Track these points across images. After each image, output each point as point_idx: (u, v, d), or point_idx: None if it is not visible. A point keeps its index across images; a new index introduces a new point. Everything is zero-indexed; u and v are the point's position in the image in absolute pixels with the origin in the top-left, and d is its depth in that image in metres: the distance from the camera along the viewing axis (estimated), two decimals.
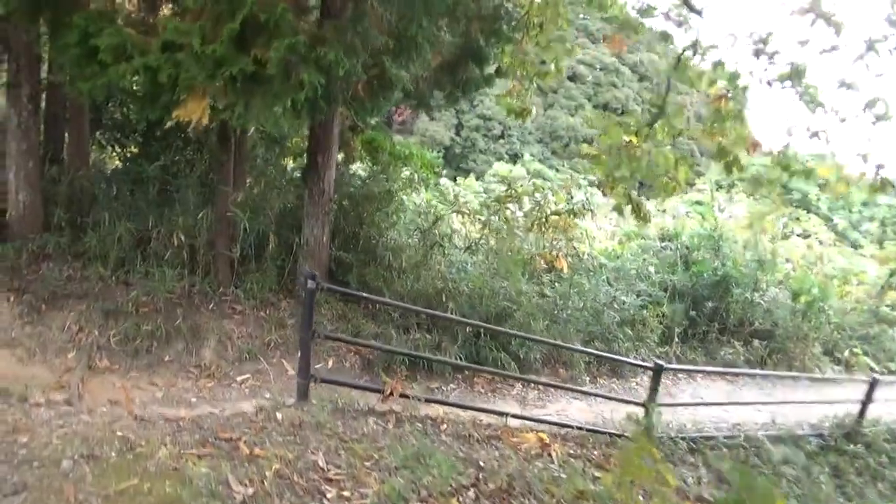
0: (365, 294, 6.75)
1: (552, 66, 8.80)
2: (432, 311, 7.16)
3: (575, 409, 7.30)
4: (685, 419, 6.99)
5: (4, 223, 6.52)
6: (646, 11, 8.64)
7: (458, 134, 41.16)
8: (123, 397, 5.56)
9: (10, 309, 5.91)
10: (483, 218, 10.20)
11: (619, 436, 6.13)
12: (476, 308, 7.83)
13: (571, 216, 11.07)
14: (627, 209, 8.68)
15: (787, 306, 10.49)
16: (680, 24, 8.21)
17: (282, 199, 7.52)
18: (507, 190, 11.08)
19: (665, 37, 8.87)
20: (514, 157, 38.29)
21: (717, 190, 23.06)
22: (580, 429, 6.11)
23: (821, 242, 15.75)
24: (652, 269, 10.55)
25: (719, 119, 7.31)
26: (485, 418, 5.83)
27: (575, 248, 10.82)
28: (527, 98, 8.85)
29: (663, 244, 11.63)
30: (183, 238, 6.86)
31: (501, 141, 41.50)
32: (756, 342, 10.02)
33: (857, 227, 23.89)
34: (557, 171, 31.54)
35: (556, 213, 11.11)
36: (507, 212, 10.38)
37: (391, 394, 4.99)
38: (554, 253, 10.14)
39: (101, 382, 5.72)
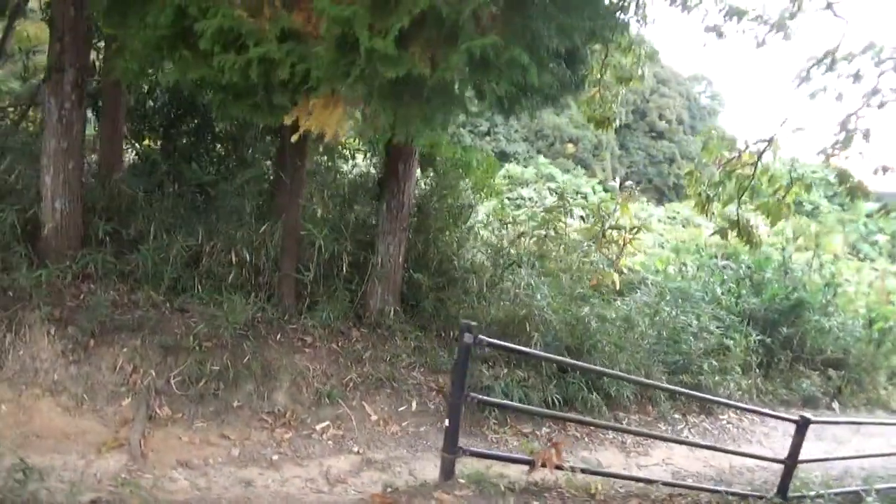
0: (527, 350, 5.94)
1: (639, 71, 7.97)
2: (580, 363, 6.40)
3: (680, 457, 6.52)
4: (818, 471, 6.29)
5: (37, 236, 5.44)
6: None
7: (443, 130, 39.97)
8: (195, 456, 4.61)
9: (52, 345, 4.87)
10: (535, 231, 9.30)
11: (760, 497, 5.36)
12: (562, 339, 6.98)
13: (633, 231, 10.33)
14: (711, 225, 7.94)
15: (860, 333, 9.88)
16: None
17: (354, 212, 6.55)
18: (558, 200, 10.28)
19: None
20: (503, 155, 37.33)
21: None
22: (714, 491, 5.32)
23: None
24: (719, 290, 9.82)
25: (846, 142, 6.57)
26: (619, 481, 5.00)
27: (629, 267, 10.07)
28: (612, 106, 8.00)
29: (722, 262, 10.92)
30: (248, 256, 5.89)
31: (488, 138, 40.51)
32: (831, 371, 9.38)
33: (867, 239, 23.66)
34: (567, 172, 30.70)
35: (616, 227, 10.35)
36: (560, 224, 9.54)
37: (543, 465, 4.10)
38: (612, 271, 9.36)
39: (165, 437, 4.74)
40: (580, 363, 6.30)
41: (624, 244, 10.28)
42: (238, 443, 4.92)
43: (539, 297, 7.16)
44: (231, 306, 5.39)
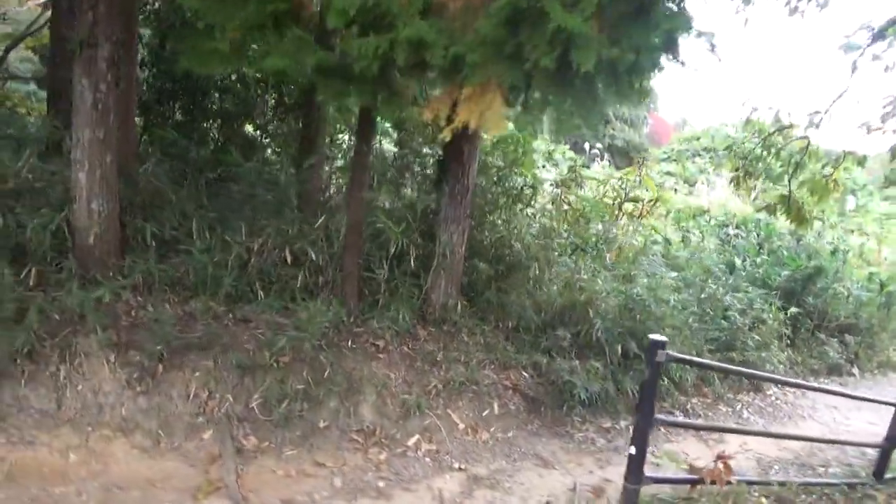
0: (720, 365, 5.82)
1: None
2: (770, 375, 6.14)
3: (753, 442, 6.39)
4: None
5: (70, 244, 4.63)
6: None
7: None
8: (297, 492, 4.08)
9: (113, 375, 4.15)
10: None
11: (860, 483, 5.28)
12: (623, 324, 6.68)
13: (650, 203, 10.11)
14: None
15: (866, 297, 10.08)
16: None
17: (420, 199, 5.96)
18: (570, 173, 9.88)
19: None
20: None
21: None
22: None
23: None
24: (738, 261, 9.77)
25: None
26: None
27: (644, 238, 9.84)
28: None
29: (734, 230, 10.89)
30: (314, 254, 5.25)
31: None
32: (848, 337, 9.56)
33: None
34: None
35: (633, 199, 10.10)
36: (572, 197, 9.17)
37: (712, 482, 3.80)
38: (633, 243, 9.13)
39: (258, 471, 4.17)
40: (771, 375, 6.06)
41: (641, 216, 10.05)
42: (336, 470, 4.39)
43: (600, 280, 6.81)
44: (308, 314, 4.77)
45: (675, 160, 22.83)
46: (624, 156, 27.77)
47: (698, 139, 24.08)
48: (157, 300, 4.67)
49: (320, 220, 5.44)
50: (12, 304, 3.95)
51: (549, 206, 7.73)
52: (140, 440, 4.02)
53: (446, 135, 3.53)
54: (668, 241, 10.08)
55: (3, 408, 3.77)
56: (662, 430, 6.24)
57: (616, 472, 4.97)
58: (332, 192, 6.69)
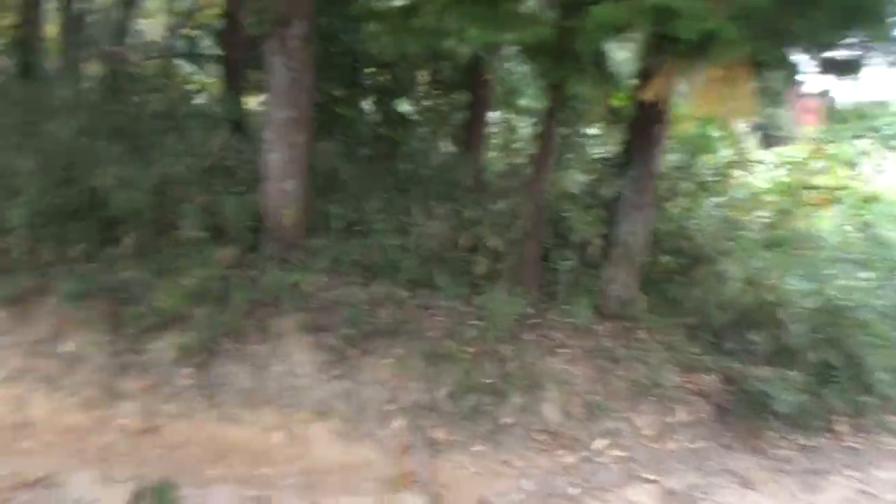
0: None
1: None
2: None
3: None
4: None
5: (261, 225, 4.65)
6: None
7: None
8: (491, 492, 3.86)
9: (311, 357, 4.13)
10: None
11: None
12: (821, 329, 5.91)
13: (835, 190, 9.00)
14: None
15: None
16: None
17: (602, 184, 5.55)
18: (736, 156, 8.94)
19: None
20: None
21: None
22: None
23: None
24: None
25: None
26: None
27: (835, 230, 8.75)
28: None
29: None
30: (492, 240, 5.01)
31: None
32: None
33: None
34: None
35: (815, 186, 9.01)
36: (754, 183, 8.24)
37: None
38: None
39: (450, 467, 4.00)
40: None
41: (824, 205, 8.97)
42: (525, 471, 4.15)
43: (792, 279, 6.08)
44: (493, 304, 4.53)
45: (831, 140, 20.70)
46: (770, 137, 25.62)
47: (861, 117, 21.63)
48: (343, 283, 4.60)
49: (497, 204, 5.17)
50: (218, 283, 3.99)
51: (733, 195, 7.00)
52: (337, 425, 3.97)
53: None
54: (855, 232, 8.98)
55: (213, 385, 3.83)
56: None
57: (826, 500, 4.40)
58: (498, 173, 6.41)
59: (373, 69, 7.01)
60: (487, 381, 4.41)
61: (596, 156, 6.31)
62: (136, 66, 7.41)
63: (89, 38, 8.19)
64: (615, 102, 5.62)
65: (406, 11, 3.90)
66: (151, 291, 4.07)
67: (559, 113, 4.81)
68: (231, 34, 6.19)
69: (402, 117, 6.91)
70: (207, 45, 9.05)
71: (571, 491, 4.09)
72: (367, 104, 7.15)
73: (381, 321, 4.39)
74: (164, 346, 3.92)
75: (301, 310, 4.22)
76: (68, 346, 3.68)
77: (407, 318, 4.55)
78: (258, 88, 5.95)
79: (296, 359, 4.10)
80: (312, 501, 3.48)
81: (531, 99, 6.96)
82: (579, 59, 3.20)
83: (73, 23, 7.83)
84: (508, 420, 4.44)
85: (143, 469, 3.36)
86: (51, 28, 8.09)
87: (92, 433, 3.48)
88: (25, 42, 6.97)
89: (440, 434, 4.17)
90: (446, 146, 6.07)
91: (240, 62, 6.20)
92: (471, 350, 4.50)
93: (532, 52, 3.39)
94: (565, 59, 3.29)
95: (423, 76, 7.63)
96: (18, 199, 4.20)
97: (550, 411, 4.63)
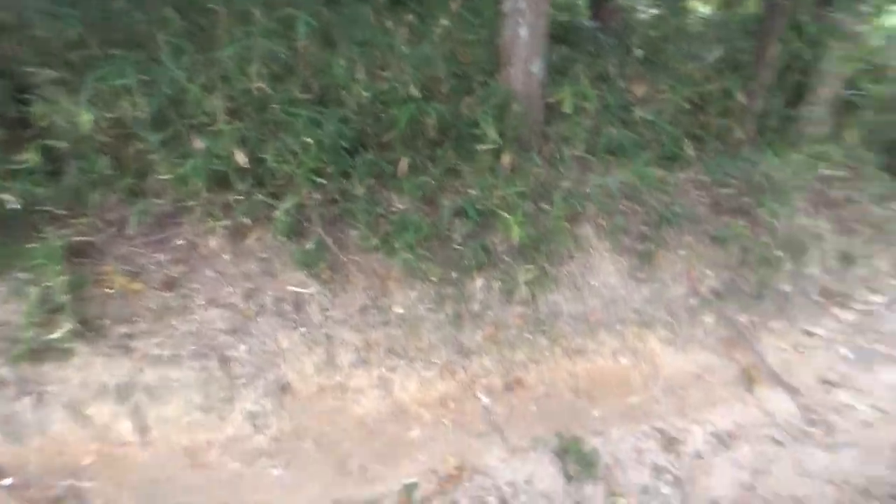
0: None
1: None
2: None
3: None
4: None
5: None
6: None
7: None
8: (814, 368, 3.81)
9: (615, 263, 3.72)
10: None
11: None
12: None
13: None
14: None
15: None
16: None
17: None
18: None
19: None
20: None
21: None
22: None
23: None
24: None
25: None
26: None
27: None
28: None
29: None
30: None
31: None
32: None
33: None
34: None
35: None
36: None
37: None
38: None
39: (767, 350, 3.85)
40: None
41: None
42: (828, 339, 4.09)
43: None
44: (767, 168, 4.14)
45: None
46: None
47: None
48: (598, 172, 4.03)
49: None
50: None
51: None
52: (661, 334, 3.68)
53: None
54: None
55: (545, 319, 3.42)
56: None
57: None
58: None
59: None
60: (778, 254, 4.14)
61: None
62: None
63: None
64: None
65: None
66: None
67: None
68: None
69: None
70: None
71: (885, 350, 4.05)
72: None
73: (666, 210, 3.93)
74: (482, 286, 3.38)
75: (601, 212, 3.72)
76: (397, 309, 3.13)
77: (680, 200, 4.10)
78: None
79: (605, 271, 3.68)
80: (703, 423, 3.29)
81: None
82: None
83: None
84: (789, 289, 4.26)
85: (536, 430, 3.05)
86: None
87: (464, 402, 3.09)
88: None
89: (742, 318, 3.98)
90: None
91: None
92: (745, 224, 4.16)
93: None
94: None
95: None
96: None
97: (820, 272, 4.47)
